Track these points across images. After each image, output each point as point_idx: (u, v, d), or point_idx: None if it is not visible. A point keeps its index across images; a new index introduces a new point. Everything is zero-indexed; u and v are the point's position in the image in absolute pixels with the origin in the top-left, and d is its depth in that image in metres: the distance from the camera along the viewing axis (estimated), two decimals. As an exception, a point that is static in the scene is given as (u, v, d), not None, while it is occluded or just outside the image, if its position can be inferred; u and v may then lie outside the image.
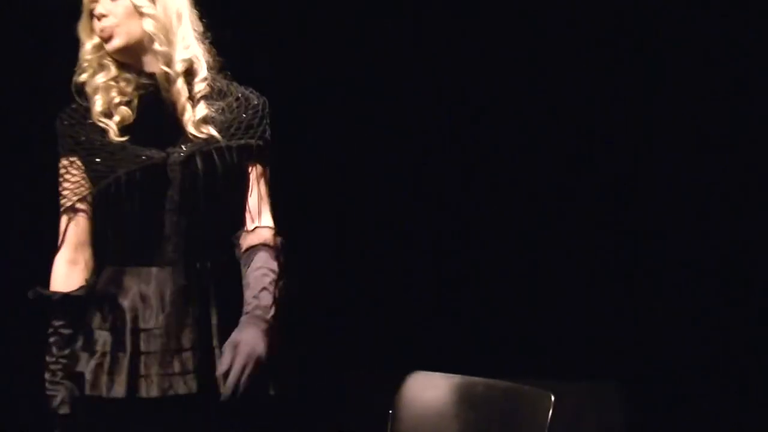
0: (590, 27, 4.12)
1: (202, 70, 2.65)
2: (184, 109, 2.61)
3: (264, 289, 2.54)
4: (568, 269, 4.18)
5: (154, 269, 2.55)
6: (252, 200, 2.64)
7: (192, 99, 2.62)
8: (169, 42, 2.61)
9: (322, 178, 4.25)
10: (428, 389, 2.90)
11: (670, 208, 4.12)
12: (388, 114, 4.25)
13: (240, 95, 2.67)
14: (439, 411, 2.86)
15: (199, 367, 2.49)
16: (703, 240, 4.07)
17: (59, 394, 2.54)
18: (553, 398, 2.64)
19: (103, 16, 2.60)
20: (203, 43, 2.68)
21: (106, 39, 2.60)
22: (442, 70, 4.23)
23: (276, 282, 2.57)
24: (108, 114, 2.61)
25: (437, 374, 2.94)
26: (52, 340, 2.57)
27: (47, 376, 2.57)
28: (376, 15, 4.22)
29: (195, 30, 2.67)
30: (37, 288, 2.59)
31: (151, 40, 2.60)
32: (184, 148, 2.59)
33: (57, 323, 2.57)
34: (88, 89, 2.63)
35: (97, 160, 2.60)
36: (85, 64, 2.64)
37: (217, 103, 2.64)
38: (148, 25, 2.59)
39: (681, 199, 4.10)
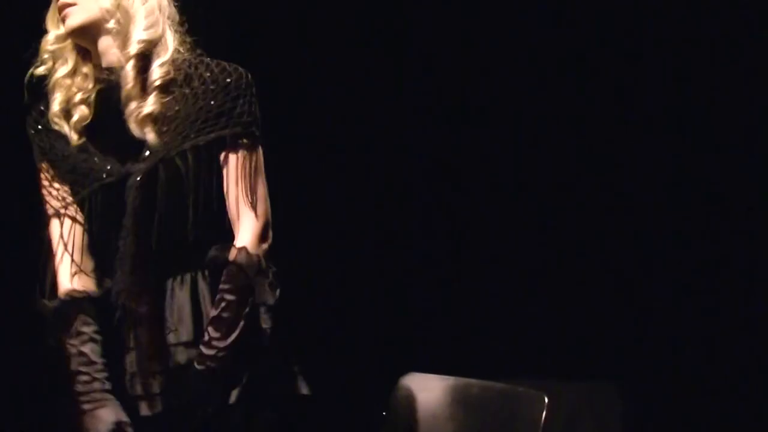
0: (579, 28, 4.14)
1: (163, 54, 2.39)
2: (128, 102, 2.35)
3: (211, 322, 2.29)
4: (564, 269, 4.18)
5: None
6: (230, 202, 2.36)
7: (144, 89, 2.35)
8: (127, 20, 2.38)
9: (319, 176, 4.25)
10: (423, 391, 2.90)
11: (667, 206, 4.12)
12: (387, 113, 4.25)
13: (208, 76, 2.36)
14: (433, 412, 2.86)
15: (170, 388, 2.30)
16: (701, 239, 4.07)
17: (109, 407, 2.32)
18: (546, 399, 2.63)
19: None
20: (174, 28, 2.44)
21: (64, 18, 2.39)
22: (433, 69, 4.23)
23: (231, 304, 2.29)
24: (67, 113, 2.41)
25: (432, 376, 2.94)
26: (86, 348, 2.36)
27: (83, 387, 2.35)
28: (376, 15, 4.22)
29: (163, 11, 2.43)
30: (71, 292, 2.38)
31: (108, 19, 2.37)
32: (145, 158, 2.34)
33: (88, 329, 2.37)
34: (48, 85, 2.43)
35: (64, 172, 2.41)
36: (45, 56, 2.44)
37: (183, 90, 2.36)
38: (105, 3, 2.38)
39: (679, 197, 4.11)
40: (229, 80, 2.36)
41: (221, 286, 2.29)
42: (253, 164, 2.36)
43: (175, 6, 2.49)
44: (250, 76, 2.38)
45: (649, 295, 4.13)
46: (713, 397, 4.01)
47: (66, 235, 2.42)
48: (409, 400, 2.90)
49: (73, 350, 2.36)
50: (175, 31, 2.43)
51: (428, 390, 2.90)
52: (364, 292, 4.21)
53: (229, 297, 2.28)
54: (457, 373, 2.91)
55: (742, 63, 3.98)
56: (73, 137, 2.41)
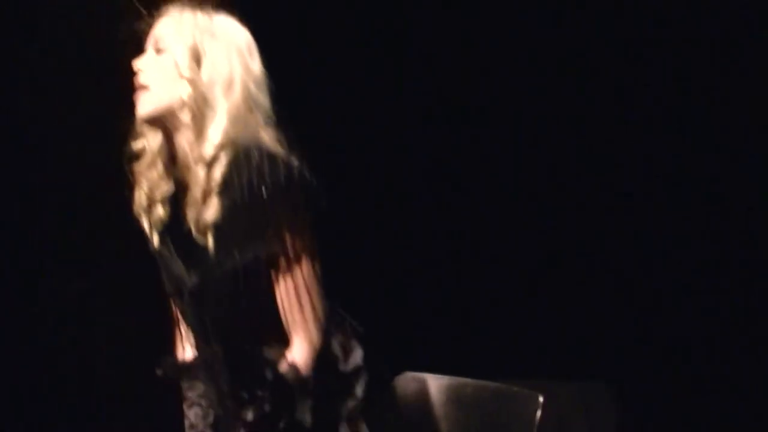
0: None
1: (233, 153, 2.13)
2: (192, 206, 2.17)
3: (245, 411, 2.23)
4: (558, 270, 4.19)
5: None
6: (283, 314, 2.20)
7: (207, 193, 2.15)
8: (205, 115, 2.15)
9: (319, 176, 4.24)
10: (417, 390, 2.90)
11: (662, 207, 4.13)
12: (387, 113, 4.26)
13: (257, 182, 2.11)
14: (428, 412, 2.86)
15: None
16: (691, 240, 4.08)
17: None
18: (541, 399, 2.64)
19: (139, 70, 2.20)
20: (263, 121, 2.20)
21: (136, 102, 2.20)
22: (432, 69, 4.24)
23: (266, 414, 2.20)
24: (149, 209, 2.26)
25: (426, 375, 2.94)
26: (190, 412, 2.37)
27: None
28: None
29: (251, 103, 2.19)
30: (180, 360, 2.37)
31: (182, 110, 2.16)
32: (204, 267, 2.20)
33: (193, 393, 2.37)
34: (135, 168, 2.26)
35: (160, 265, 2.30)
36: (140, 128, 2.26)
37: (237, 195, 2.14)
38: (183, 93, 2.14)
39: (674, 197, 4.11)
40: (272, 186, 2.13)
41: (263, 393, 2.22)
42: (301, 277, 2.20)
43: (268, 89, 2.25)
44: (297, 173, 2.17)
45: (642, 296, 4.13)
46: (705, 397, 4.02)
47: (176, 314, 2.40)
48: (404, 399, 2.90)
49: (184, 409, 2.39)
50: (264, 125, 2.22)
51: (423, 389, 2.90)
52: (364, 292, 4.21)
53: (266, 407, 2.21)
54: (451, 373, 2.91)
55: (742, 63, 3.99)
56: (154, 238, 2.29)
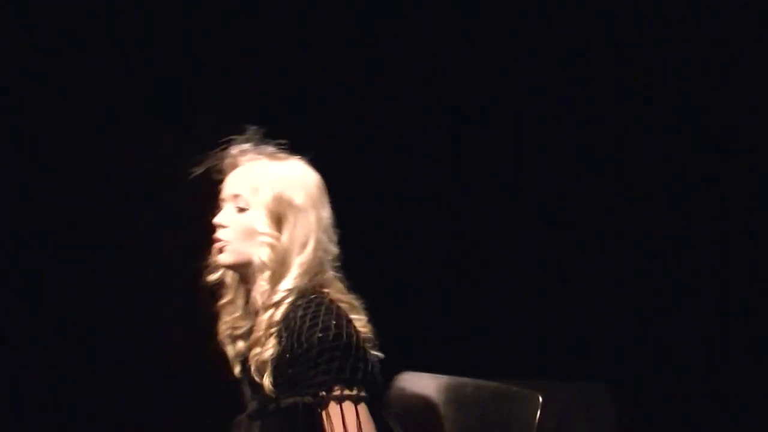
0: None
1: (292, 297, 2.30)
2: (255, 343, 2.30)
3: None
4: (558, 270, 4.19)
5: None
6: None
7: (267, 334, 2.30)
8: (280, 275, 2.30)
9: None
10: (416, 389, 2.90)
11: (659, 208, 4.13)
12: (387, 113, 4.26)
13: (296, 336, 2.25)
14: (427, 412, 2.86)
15: None
16: (691, 240, 4.08)
17: None
18: (541, 399, 2.64)
19: (221, 226, 2.36)
20: (333, 269, 2.36)
21: (217, 250, 2.36)
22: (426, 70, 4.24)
23: None
24: (231, 340, 2.41)
25: (425, 374, 2.94)
26: None
27: None
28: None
29: (320, 256, 2.35)
30: None
31: (270, 275, 2.30)
32: (258, 403, 2.34)
33: None
34: (219, 302, 2.42)
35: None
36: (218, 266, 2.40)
37: (284, 342, 2.28)
38: (262, 255, 2.30)
39: (670, 198, 4.11)
40: (305, 348, 2.25)
41: None
42: (345, 425, 2.27)
43: (334, 233, 2.39)
44: (335, 337, 2.26)
45: (642, 296, 4.13)
46: (705, 397, 4.02)
47: None
48: (403, 399, 2.90)
49: None
50: (330, 271, 2.37)
51: (422, 389, 2.90)
52: (364, 292, 4.20)
53: None
54: (451, 373, 2.91)
55: (742, 63, 3.99)
56: (235, 367, 2.40)
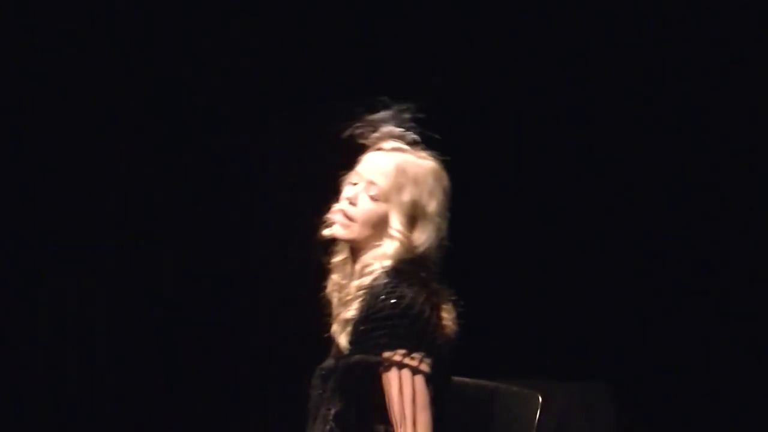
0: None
1: (386, 267, 2.40)
2: (342, 306, 2.44)
3: None
4: (558, 270, 4.19)
5: None
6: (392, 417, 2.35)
7: (354, 296, 2.42)
8: (398, 261, 2.40)
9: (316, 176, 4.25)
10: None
11: (658, 208, 4.13)
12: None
13: (374, 300, 2.35)
14: (427, 412, 2.85)
15: None
16: (690, 241, 4.08)
17: None
18: (540, 399, 2.64)
19: (351, 202, 2.45)
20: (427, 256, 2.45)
21: (338, 222, 2.45)
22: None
23: None
24: (335, 296, 2.49)
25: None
26: None
27: None
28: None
29: (430, 251, 2.45)
30: None
31: (384, 256, 2.40)
32: (333, 360, 2.45)
33: None
34: (332, 259, 2.51)
35: None
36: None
37: (363, 303, 2.39)
38: (390, 248, 2.40)
39: (670, 199, 4.12)
40: (378, 311, 2.35)
41: None
42: (397, 392, 2.34)
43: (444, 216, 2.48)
44: (408, 308, 2.35)
45: (642, 296, 4.14)
46: (705, 396, 4.03)
47: None
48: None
49: None
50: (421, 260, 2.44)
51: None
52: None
53: None
54: (451, 372, 2.90)
55: (743, 63, 3.99)
56: (331, 323, 2.47)
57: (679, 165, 4.09)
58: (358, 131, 2.48)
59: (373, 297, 2.36)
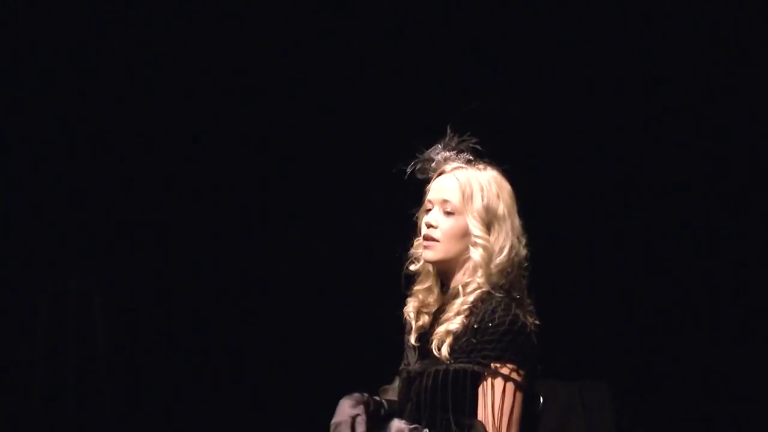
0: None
1: (485, 287, 2.56)
2: (444, 321, 2.57)
3: None
4: (558, 270, 4.19)
5: None
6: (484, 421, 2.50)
7: (457, 313, 2.56)
8: (482, 270, 2.55)
9: (314, 177, 4.25)
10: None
11: (658, 209, 4.13)
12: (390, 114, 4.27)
13: (485, 314, 2.52)
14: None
15: None
16: (690, 241, 4.08)
17: None
18: (541, 399, 2.64)
19: (431, 226, 2.60)
20: (520, 274, 2.60)
21: (425, 247, 2.60)
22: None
23: None
24: (416, 316, 2.66)
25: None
26: None
27: None
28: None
29: (513, 257, 2.60)
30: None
31: (475, 268, 2.55)
32: (424, 365, 2.57)
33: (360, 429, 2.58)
34: (415, 285, 2.67)
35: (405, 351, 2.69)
36: (418, 252, 2.67)
37: (469, 319, 2.54)
38: (476, 255, 2.56)
39: (670, 199, 4.12)
40: (491, 325, 2.50)
41: None
42: (499, 402, 2.49)
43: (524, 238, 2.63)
44: (518, 324, 2.52)
45: (642, 297, 4.14)
46: (705, 396, 4.03)
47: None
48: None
49: None
50: (518, 274, 2.60)
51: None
52: (362, 289, 4.21)
53: None
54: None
55: (743, 64, 3.99)
56: (412, 338, 2.66)
57: (678, 165, 4.09)
58: (417, 168, 2.68)
59: (484, 312, 2.50)
